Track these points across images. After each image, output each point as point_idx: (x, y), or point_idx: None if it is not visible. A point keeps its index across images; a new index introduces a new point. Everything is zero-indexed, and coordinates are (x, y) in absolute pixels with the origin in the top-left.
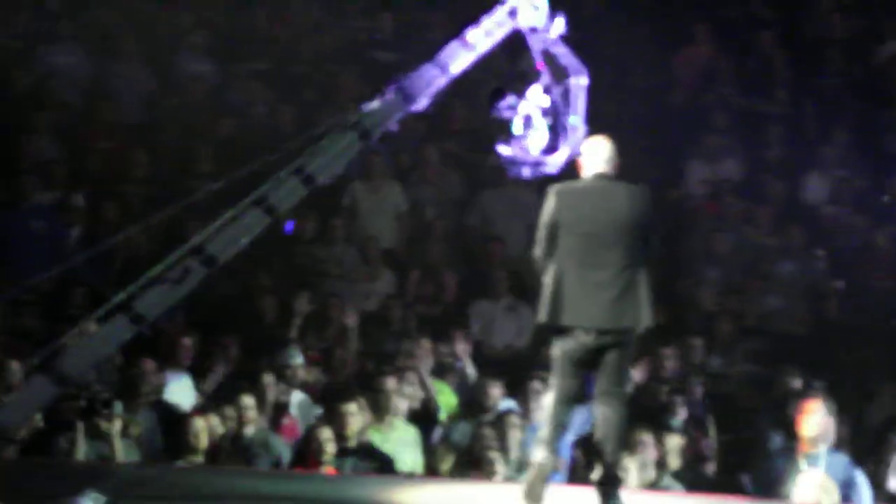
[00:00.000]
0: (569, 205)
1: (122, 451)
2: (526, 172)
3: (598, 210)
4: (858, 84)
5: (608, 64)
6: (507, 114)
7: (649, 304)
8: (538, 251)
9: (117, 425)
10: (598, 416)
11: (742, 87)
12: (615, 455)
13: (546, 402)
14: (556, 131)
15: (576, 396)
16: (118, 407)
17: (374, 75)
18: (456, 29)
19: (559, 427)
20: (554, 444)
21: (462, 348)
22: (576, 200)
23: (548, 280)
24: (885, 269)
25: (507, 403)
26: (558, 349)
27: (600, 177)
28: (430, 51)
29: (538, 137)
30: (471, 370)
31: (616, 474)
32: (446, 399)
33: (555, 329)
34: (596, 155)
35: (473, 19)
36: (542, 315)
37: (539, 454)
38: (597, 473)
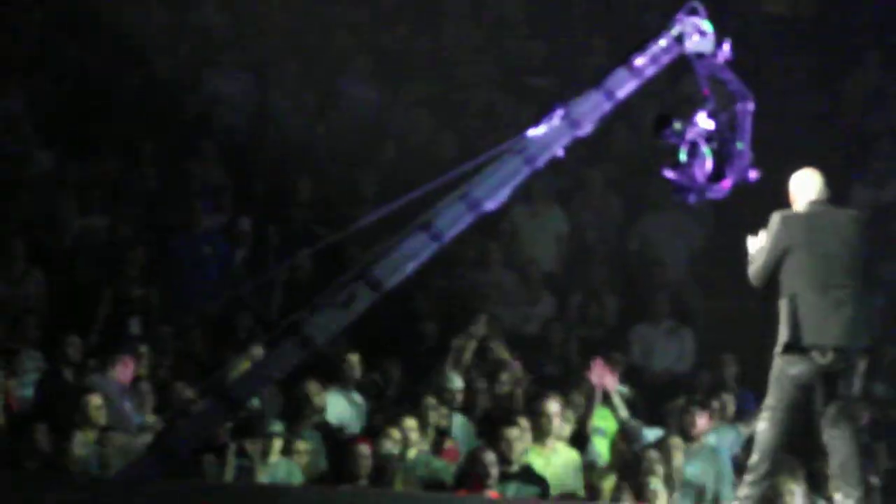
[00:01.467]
0: (800, 229)
1: (286, 473)
2: (691, 198)
3: (830, 233)
4: None
5: (773, 89)
6: (672, 140)
7: (873, 324)
8: (756, 272)
9: (277, 446)
10: (831, 443)
11: None
12: (861, 485)
13: (760, 431)
14: (722, 157)
15: (793, 429)
16: (277, 426)
17: (531, 100)
18: (614, 53)
19: (774, 464)
20: (765, 480)
21: (608, 379)
22: (807, 225)
23: (784, 302)
24: None
25: (655, 432)
26: (786, 374)
27: (820, 203)
28: (588, 75)
29: (704, 163)
30: (618, 401)
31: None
32: (609, 424)
33: (785, 353)
34: (809, 184)
35: (631, 43)
36: (785, 336)
37: (744, 490)
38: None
